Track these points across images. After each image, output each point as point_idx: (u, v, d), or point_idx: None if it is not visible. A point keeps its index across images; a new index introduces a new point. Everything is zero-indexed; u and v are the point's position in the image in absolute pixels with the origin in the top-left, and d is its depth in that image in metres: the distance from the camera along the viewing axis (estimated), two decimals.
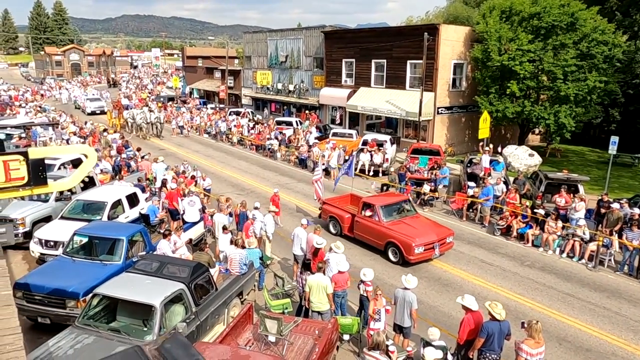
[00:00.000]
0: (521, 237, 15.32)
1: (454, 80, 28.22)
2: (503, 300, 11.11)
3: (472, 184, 18.02)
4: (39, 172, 4.59)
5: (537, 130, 31.39)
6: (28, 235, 13.34)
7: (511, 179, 19.05)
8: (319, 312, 9.31)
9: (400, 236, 13.22)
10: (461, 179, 20.65)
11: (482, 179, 18.58)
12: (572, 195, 15.72)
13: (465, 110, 29.21)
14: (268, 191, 20.47)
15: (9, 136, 24.27)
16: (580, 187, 16.42)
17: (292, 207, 18.35)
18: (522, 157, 23.93)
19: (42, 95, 58.30)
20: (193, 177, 18.23)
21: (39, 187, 4.66)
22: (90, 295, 8.50)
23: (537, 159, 24.07)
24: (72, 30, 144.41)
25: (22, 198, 13.52)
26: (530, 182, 18.42)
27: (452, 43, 27.17)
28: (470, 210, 17.42)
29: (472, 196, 17.17)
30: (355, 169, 22.55)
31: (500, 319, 7.53)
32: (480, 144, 21.86)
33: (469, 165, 20.81)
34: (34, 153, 4.59)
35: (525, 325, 7.37)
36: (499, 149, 21.74)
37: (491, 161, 20.06)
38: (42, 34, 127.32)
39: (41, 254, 12.38)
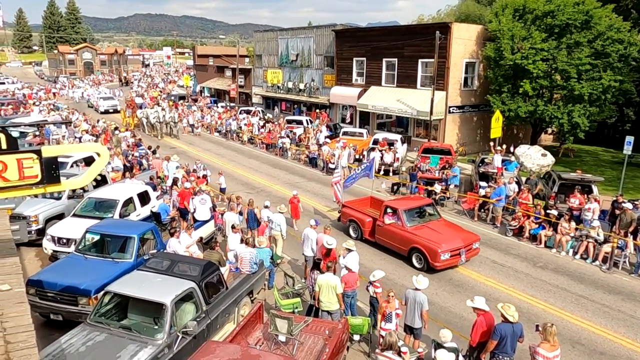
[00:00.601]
0: (534, 238, 15.15)
1: (465, 79, 28.00)
2: (515, 302, 10.98)
3: (483, 183, 17.88)
4: (52, 170, 4.61)
5: (550, 130, 31.04)
6: (41, 232, 13.47)
7: (523, 179, 18.85)
8: (328, 312, 9.29)
9: (425, 242, 12.74)
10: (473, 179, 20.49)
11: (494, 178, 18.41)
12: (586, 196, 15.51)
13: (477, 110, 28.98)
14: (278, 190, 20.52)
15: (23, 134, 24.54)
16: (595, 188, 16.20)
17: (305, 207, 18.29)
18: (534, 157, 23.63)
19: (54, 94, 58.93)
20: (204, 177, 18.29)
21: (52, 185, 4.69)
22: (102, 292, 8.55)
23: (549, 159, 23.76)
24: (85, 29, 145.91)
25: (36, 195, 13.65)
26: (542, 182, 18.21)
27: (464, 42, 26.96)
28: (482, 210, 17.27)
29: (484, 196, 17.03)
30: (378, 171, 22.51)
31: (513, 321, 7.44)
32: (492, 143, 21.66)
33: (480, 164, 20.65)
34: (47, 151, 4.61)
35: (540, 329, 7.26)
36: (511, 149, 21.53)
37: (503, 161, 19.88)
38: (55, 33, 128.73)
39: (54, 251, 12.50)
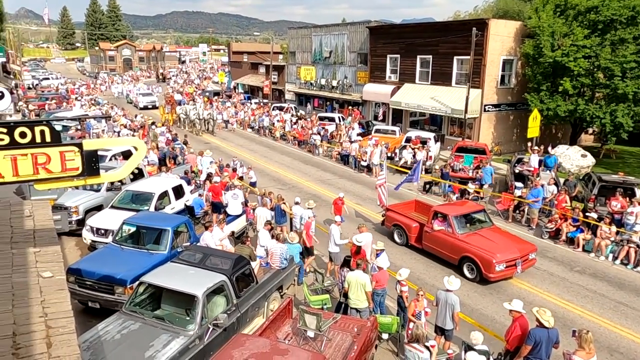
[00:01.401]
0: (571, 241, 14.68)
1: (502, 76, 27.32)
2: (550, 306, 10.66)
3: (519, 184, 17.43)
4: (92, 163, 4.76)
5: (590, 130, 29.95)
6: (81, 222, 13.97)
7: (561, 180, 18.28)
8: (357, 310, 9.28)
9: (478, 251, 11.97)
10: (508, 179, 20.00)
11: (530, 179, 17.92)
12: (628, 199, 14.91)
13: (513, 108, 28.25)
14: (309, 186, 20.58)
15: (66, 128, 25.47)
16: (638, 191, 15.55)
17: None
18: (573, 158, 22.90)
19: (95, 88, 60.83)
20: (234, 170, 18.57)
21: (91, 178, 4.83)
22: (137, 283, 8.80)
23: (590, 160, 22.97)
24: (124, 27, 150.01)
25: (76, 187, 14.16)
26: (582, 184, 17.60)
27: (501, 38, 26.30)
28: (517, 211, 16.84)
29: (520, 197, 16.60)
30: (399, 166, 22.31)
31: (549, 326, 7.24)
32: (529, 143, 21.10)
33: (516, 164, 20.14)
34: (88, 145, 4.76)
35: (576, 334, 7.04)
36: (549, 149, 20.89)
37: (540, 160, 19.34)
38: (97, 30, 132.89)
39: (92, 241, 12.93)
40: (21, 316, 3.86)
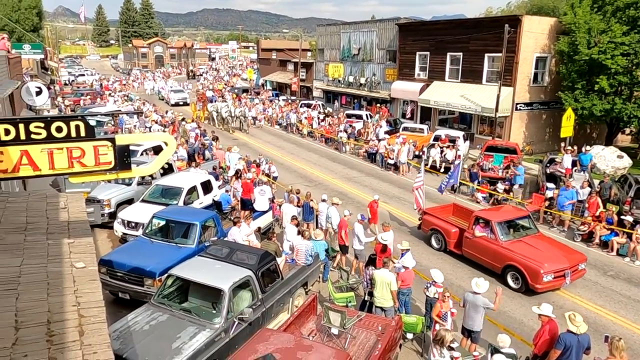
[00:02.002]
0: (604, 244, 14.23)
1: (535, 74, 26.65)
2: (582, 311, 10.36)
3: (551, 185, 16.98)
4: (124, 157, 4.88)
5: (627, 130, 28.92)
6: (112, 215, 14.35)
7: (596, 181, 17.73)
8: (381, 308, 9.24)
9: (524, 260, 11.37)
10: (539, 180, 19.52)
11: (562, 180, 17.44)
12: None
13: (546, 107, 27.53)
14: (336, 184, 20.57)
15: (100, 123, 26.14)
16: None
17: (361, 202, 18.25)
18: (609, 159, 22.16)
19: (128, 84, 62.21)
20: (258, 165, 18.74)
21: (123, 172, 4.95)
22: (166, 275, 8.99)
23: (626, 161, 22.18)
24: (157, 24, 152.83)
25: (109, 181, 14.54)
26: (617, 186, 17.01)
27: (535, 35, 25.65)
28: (547, 213, 16.42)
29: (551, 198, 16.18)
30: (427, 165, 22.08)
31: (577, 332, 7.04)
32: (562, 143, 20.53)
33: (548, 165, 19.62)
34: (121, 139, 4.88)
35: (608, 340, 6.83)
36: (583, 149, 20.27)
37: (574, 161, 18.80)
38: (130, 28, 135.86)
39: (123, 233, 13.26)
40: (55, 304, 3.99)
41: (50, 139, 4.56)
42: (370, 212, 14.34)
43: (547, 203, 16.28)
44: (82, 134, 4.69)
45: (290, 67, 52.09)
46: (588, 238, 14.75)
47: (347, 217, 12.55)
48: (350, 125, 29.20)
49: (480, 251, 12.53)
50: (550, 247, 12.01)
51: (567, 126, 21.14)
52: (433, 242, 14.05)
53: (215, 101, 38.09)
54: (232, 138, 29.61)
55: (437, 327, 8.46)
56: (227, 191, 15.26)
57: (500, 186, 17.92)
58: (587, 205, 15.39)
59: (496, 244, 12.09)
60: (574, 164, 18.78)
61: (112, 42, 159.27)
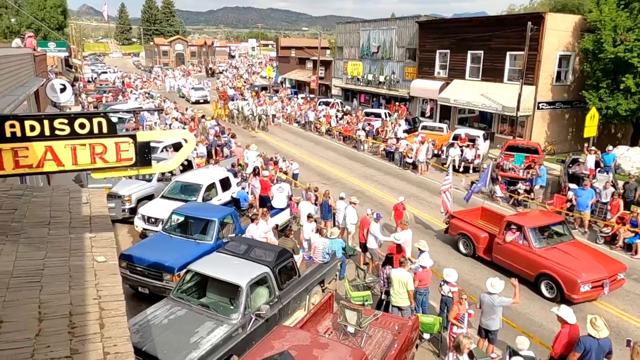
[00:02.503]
0: (628, 247, 13.91)
1: (558, 73, 26.15)
2: (604, 315, 10.16)
3: (573, 186, 16.65)
4: (145, 154, 4.94)
5: None
6: (133, 211, 14.57)
7: (620, 183, 17.32)
8: (398, 308, 9.21)
9: (559, 268, 10.87)
10: (561, 180, 19.16)
11: (585, 180, 17.09)
12: None
13: (569, 106, 27.00)
14: (354, 182, 20.52)
15: (122, 120, 26.55)
16: None
17: (379, 200, 18.19)
18: (635, 160, 21.63)
19: (149, 81, 62.98)
20: (276, 163, 18.80)
21: (144, 168, 5.01)
22: (184, 271, 9.10)
23: None
24: (178, 22, 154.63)
25: (129, 177, 14.77)
26: None
27: (558, 33, 25.15)
28: (569, 215, 16.11)
29: (571, 200, 15.87)
30: (445, 164, 21.84)
31: (597, 336, 6.90)
32: (585, 143, 20.11)
33: (570, 165, 19.25)
34: (142, 136, 4.94)
35: (630, 345, 6.68)
36: (608, 147, 19.79)
37: (597, 161, 18.40)
38: (152, 26, 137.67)
39: (143, 229, 13.46)
40: (77, 297, 4.07)
41: (73, 135, 4.64)
42: (395, 215, 13.98)
43: (568, 204, 15.97)
44: (105, 130, 4.76)
45: (309, 65, 52.10)
46: (611, 240, 14.43)
47: (368, 216, 12.49)
48: (369, 124, 29.08)
49: (511, 258, 12.01)
50: (587, 255, 11.50)
51: (591, 126, 20.70)
52: (461, 247, 13.59)
53: (236, 99, 37.99)
54: (251, 136, 29.76)
55: (455, 329, 8.39)
56: (243, 188, 15.35)
57: (521, 186, 17.64)
58: (609, 207, 15.07)
59: (529, 251, 11.57)
60: (597, 164, 18.38)
61: (134, 40, 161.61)
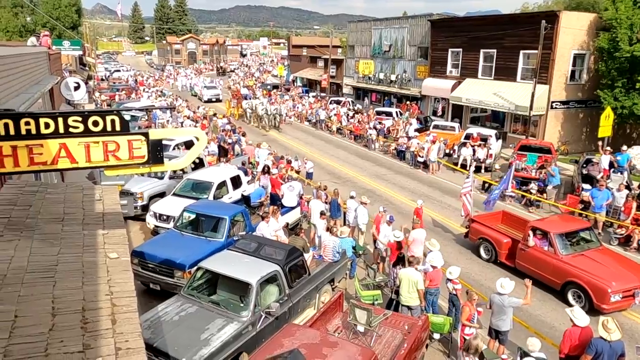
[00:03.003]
0: None
1: (572, 72, 25.83)
2: (618, 318, 10.01)
3: (587, 186, 16.45)
4: (157, 151, 4.98)
5: None
6: (145, 208, 14.68)
7: (635, 183, 17.07)
8: (408, 307, 9.19)
9: (588, 276, 10.36)
10: (574, 180, 18.94)
11: (599, 180, 16.87)
12: None
13: (583, 106, 26.66)
14: (364, 181, 20.48)
15: (135, 118, 26.75)
16: None
17: (390, 200, 18.14)
18: None
19: (161, 80, 63.40)
20: (289, 162, 18.80)
21: (156, 166, 5.06)
22: (195, 268, 9.16)
23: None
24: (190, 21, 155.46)
25: (142, 174, 14.89)
26: None
27: (573, 32, 24.84)
28: (582, 215, 15.90)
29: (584, 201, 15.67)
30: (457, 164, 21.69)
31: (608, 338, 6.82)
32: (600, 143, 19.85)
33: (584, 165, 19.01)
34: (154, 134, 4.99)
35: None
36: (623, 148, 19.51)
37: (611, 162, 18.15)
38: (164, 25, 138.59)
39: (155, 226, 13.57)
40: (90, 293, 4.12)
41: (87, 132, 4.70)
42: (417, 219, 13.21)
43: (581, 205, 15.78)
44: (117, 128, 4.81)
45: (321, 63, 52.07)
46: (625, 242, 14.23)
47: (380, 214, 12.42)
48: (380, 123, 29.00)
49: (536, 265, 11.49)
50: (617, 263, 11.02)
51: (606, 126, 20.43)
52: (482, 252, 13.13)
53: (250, 98, 37.51)
54: (262, 134, 29.83)
55: (467, 330, 8.35)
56: (263, 187, 15.30)
57: (533, 187, 17.47)
58: (623, 208, 14.85)
59: (555, 258, 11.09)
60: (611, 164, 18.13)
61: (147, 38, 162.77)
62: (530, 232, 11.75)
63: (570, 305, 10.37)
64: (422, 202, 14.16)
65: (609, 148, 19.07)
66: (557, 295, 11.22)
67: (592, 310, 10.08)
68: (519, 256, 12.00)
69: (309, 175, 18.78)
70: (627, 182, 16.43)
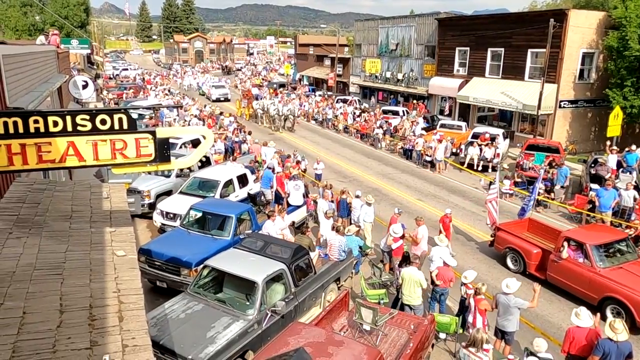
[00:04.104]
0: None
1: (581, 71, 25.62)
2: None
3: (595, 186, 16.33)
4: (164, 150, 5.00)
5: None
6: (152, 206, 14.76)
7: None
8: (409, 306, 9.21)
9: (629, 292, 9.68)
10: (583, 180, 18.80)
11: (607, 180, 16.74)
12: None
13: (592, 105, 26.45)
14: (370, 180, 20.45)
15: (141, 116, 26.88)
16: None
17: (395, 198, 18.10)
18: None
19: (168, 78, 63.61)
20: (298, 162, 18.77)
21: (163, 164, 5.08)
22: (201, 266, 9.20)
23: None
24: (197, 20, 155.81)
25: (149, 172, 14.95)
26: None
27: (582, 30, 24.64)
28: (590, 216, 15.78)
29: (591, 200, 15.56)
30: (463, 164, 21.61)
31: (615, 339, 6.78)
32: (609, 142, 19.69)
33: (592, 165, 18.86)
34: (161, 132, 5.02)
35: None
36: (632, 147, 19.33)
37: (618, 162, 18.00)
38: (172, 23, 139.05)
39: (162, 224, 13.63)
40: (97, 290, 4.15)
41: (94, 131, 4.73)
42: (444, 228, 12.76)
43: (589, 205, 15.66)
44: (125, 126, 4.84)
45: (327, 62, 52.03)
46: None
47: (396, 215, 12.40)
48: (386, 122, 28.94)
49: (570, 278, 10.83)
50: None
51: (614, 125, 20.26)
52: (509, 262, 12.42)
53: (261, 98, 36.45)
54: (268, 132, 29.83)
55: (471, 330, 8.34)
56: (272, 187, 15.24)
57: (541, 186, 17.35)
58: (635, 208, 14.72)
59: (592, 271, 10.40)
60: (619, 164, 17.98)
61: (154, 37, 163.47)
62: (564, 243, 11.09)
63: (605, 319, 9.61)
64: (450, 210, 13.22)
65: (616, 147, 18.91)
66: (564, 296, 11.15)
67: (636, 328, 9.59)
68: (551, 268, 11.29)
69: (318, 177, 18.61)
70: (636, 181, 16.28)
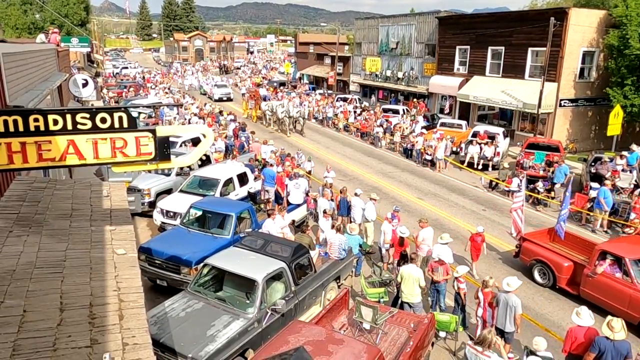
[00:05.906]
0: None
1: (581, 69, 25.61)
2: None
3: (595, 184, 16.33)
4: (164, 148, 5.00)
5: None
6: (152, 204, 14.76)
7: None
8: (409, 304, 9.24)
9: None
10: (583, 179, 18.80)
11: (608, 179, 16.73)
12: None
13: (592, 104, 26.43)
14: (370, 178, 20.44)
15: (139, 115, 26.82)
16: None
17: (395, 197, 18.11)
18: None
19: (168, 76, 63.52)
20: (293, 159, 18.76)
21: (163, 162, 5.09)
22: (202, 264, 9.20)
23: None
24: (197, 18, 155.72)
25: (149, 171, 14.95)
26: None
27: (582, 29, 24.62)
28: (589, 214, 15.78)
29: (594, 199, 15.56)
30: (463, 162, 21.60)
31: (613, 338, 6.78)
32: (620, 152, 19.61)
33: (593, 164, 18.86)
34: (161, 131, 5.01)
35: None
36: (632, 146, 19.31)
37: (622, 157, 17.98)
38: (172, 22, 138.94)
39: (162, 222, 13.63)
40: (97, 288, 4.16)
41: (95, 129, 4.73)
42: (472, 247, 11.78)
43: (590, 204, 15.66)
44: (125, 125, 4.84)
45: (328, 60, 51.99)
46: None
47: (394, 214, 12.42)
48: (387, 120, 28.92)
49: (607, 295, 10.01)
50: None
51: (615, 124, 20.27)
52: (536, 275, 11.64)
53: (269, 99, 34.09)
54: (269, 131, 29.80)
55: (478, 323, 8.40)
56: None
57: (541, 184, 17.35)
58: (633, 206, 14.72)
59: (632, 288, 9.59)
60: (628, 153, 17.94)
61: (154, 35, 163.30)
62: (600, 258, 10.33)
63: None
64: (483, 228, 11.95)
65: (625, 153, 18.70)
66: (564, 295, 11.16)
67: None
68: (585, 284, 10.47)
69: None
70: (636, 180, 16.28)
